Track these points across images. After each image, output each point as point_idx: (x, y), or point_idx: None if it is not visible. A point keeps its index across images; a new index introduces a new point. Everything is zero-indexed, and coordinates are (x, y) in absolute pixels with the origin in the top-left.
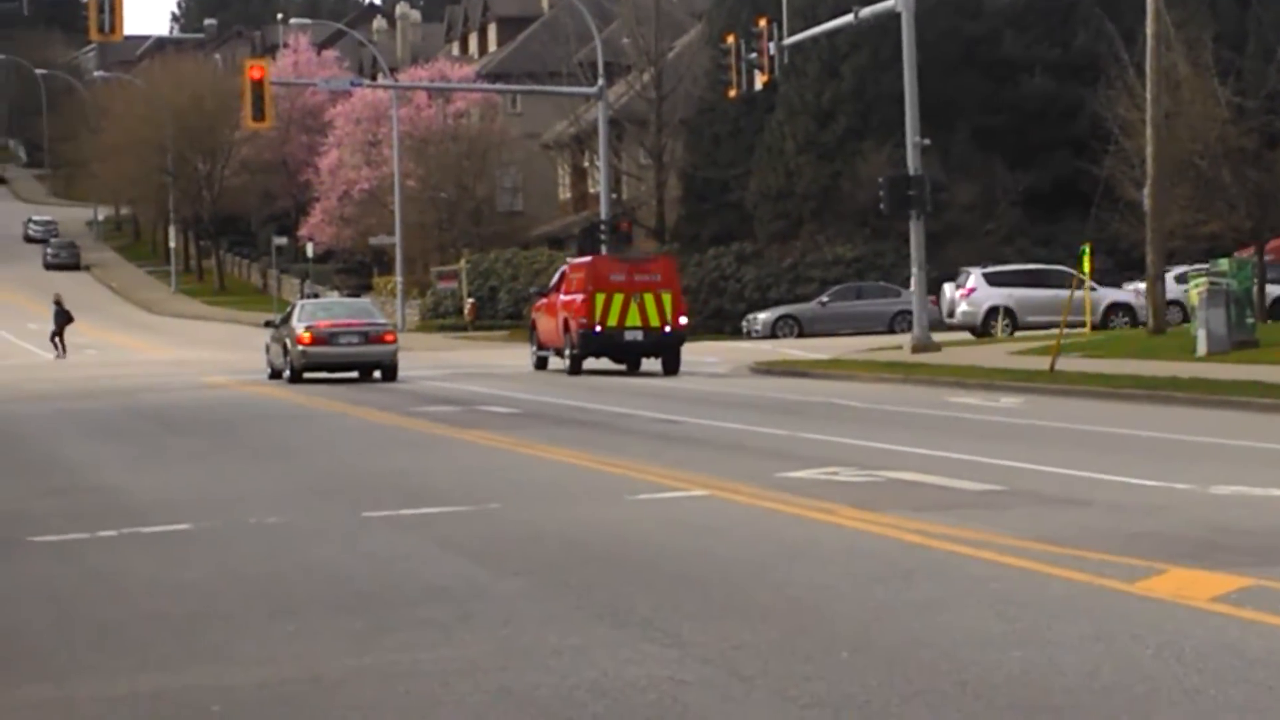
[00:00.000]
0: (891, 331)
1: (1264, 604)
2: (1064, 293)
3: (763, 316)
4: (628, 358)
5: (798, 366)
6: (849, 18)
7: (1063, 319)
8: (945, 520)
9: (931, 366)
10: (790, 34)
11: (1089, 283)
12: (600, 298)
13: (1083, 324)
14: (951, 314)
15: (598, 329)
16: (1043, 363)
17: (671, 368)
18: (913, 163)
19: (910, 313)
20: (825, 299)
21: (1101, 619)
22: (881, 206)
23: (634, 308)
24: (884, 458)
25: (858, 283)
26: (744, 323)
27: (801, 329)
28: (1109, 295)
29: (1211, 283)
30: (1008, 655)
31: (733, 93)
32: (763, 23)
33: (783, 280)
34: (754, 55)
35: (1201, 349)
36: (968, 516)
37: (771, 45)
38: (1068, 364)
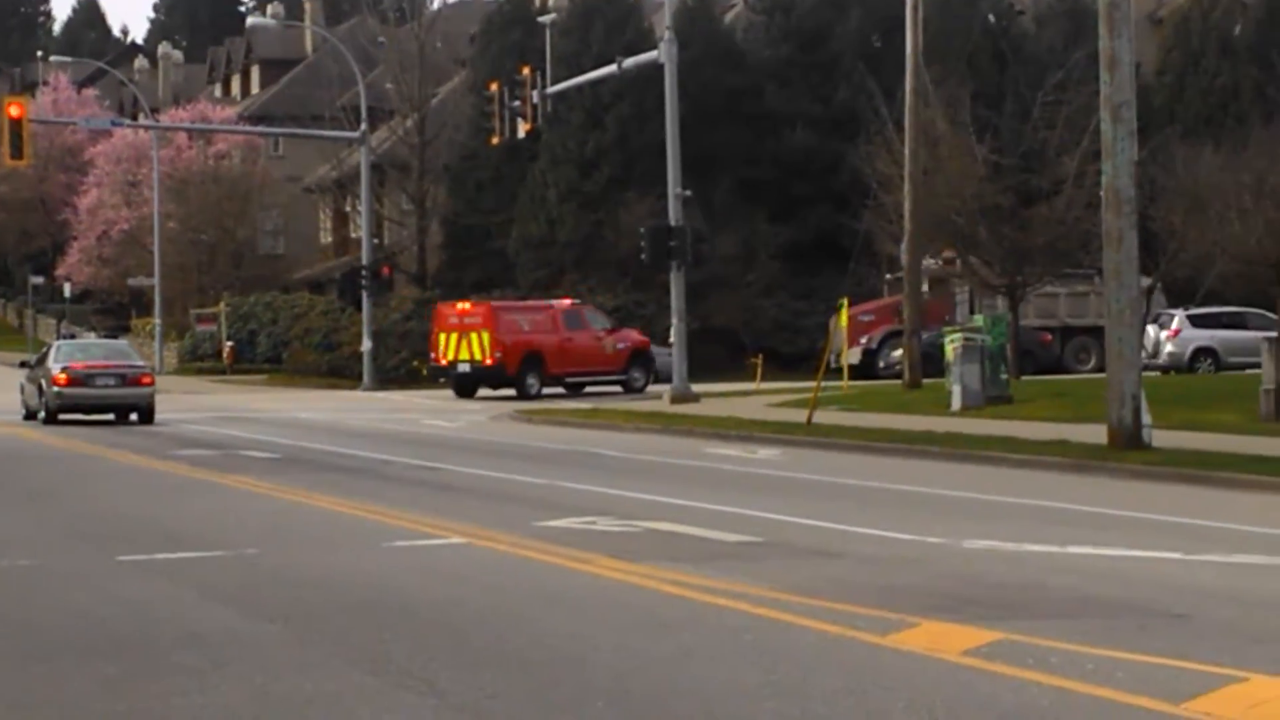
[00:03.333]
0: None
1: (1014, 658)
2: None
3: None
4: None
5: (558, 415)
6: (612, 68)
7: (819, 374)
8: (702, 571)
9: (690, 417)
10: (554, 83)
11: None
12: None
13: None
14: (1156, 354)
15: None
16: (800, 415)
17: None
18: (674, 213)
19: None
20: None
21: (854, 672)
22: (643, 256)
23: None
24: (642, 508)
25: None
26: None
27: None
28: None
29: (966, 338)
30: (762, 707)
31: (496, 140)
32: (526, 71)
33: None
34: (517, 103)
35: (956, 404)
36: (725, 568)
37: (535, 94)
38: (825, 417)
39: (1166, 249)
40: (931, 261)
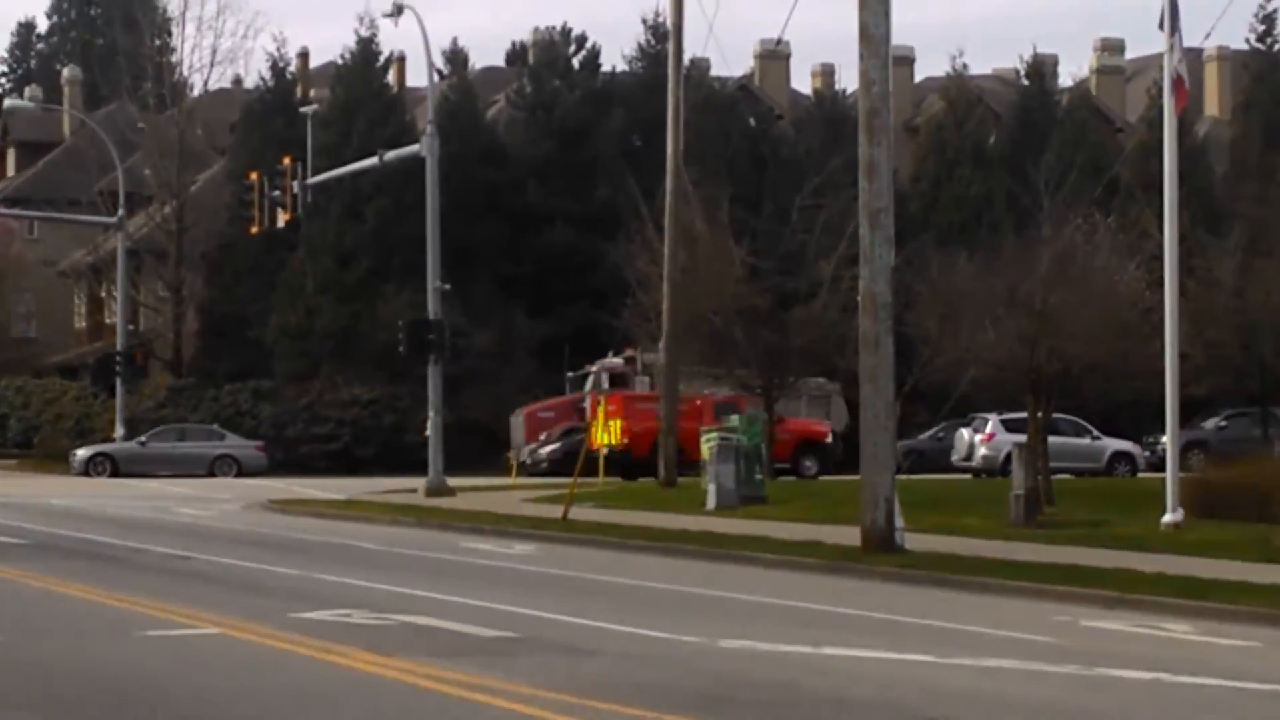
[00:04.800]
0: (212, 475)
1: None
2: (1076, 440)
3: (80, 453)
4: None
5: (313, 506)
6: (373, 160)
7: (577, 467)
8: (458, 666)
9: (446, 510)
10: (314, 173)
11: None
12: None
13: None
14: (970, 457)
15: None
16: (556, 511)
17: None
18: (433, 307)
19: (233, 457)
20: (144, 439)
21: None
22: (401, 349)
23: None
24: (398, 601)
25: (182, 424)
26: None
27: (117, 468)
28: (1114, 445)
29: (722, 438)
30: None
31: (255, 229)
32: (286, 160)
33: (299, 419)
34: (277, 192)
35: (711, 503)
36: (481, 663)
37: (295, 183)
38: (581, 513)
39: (921, 354)
40: (616, 360)
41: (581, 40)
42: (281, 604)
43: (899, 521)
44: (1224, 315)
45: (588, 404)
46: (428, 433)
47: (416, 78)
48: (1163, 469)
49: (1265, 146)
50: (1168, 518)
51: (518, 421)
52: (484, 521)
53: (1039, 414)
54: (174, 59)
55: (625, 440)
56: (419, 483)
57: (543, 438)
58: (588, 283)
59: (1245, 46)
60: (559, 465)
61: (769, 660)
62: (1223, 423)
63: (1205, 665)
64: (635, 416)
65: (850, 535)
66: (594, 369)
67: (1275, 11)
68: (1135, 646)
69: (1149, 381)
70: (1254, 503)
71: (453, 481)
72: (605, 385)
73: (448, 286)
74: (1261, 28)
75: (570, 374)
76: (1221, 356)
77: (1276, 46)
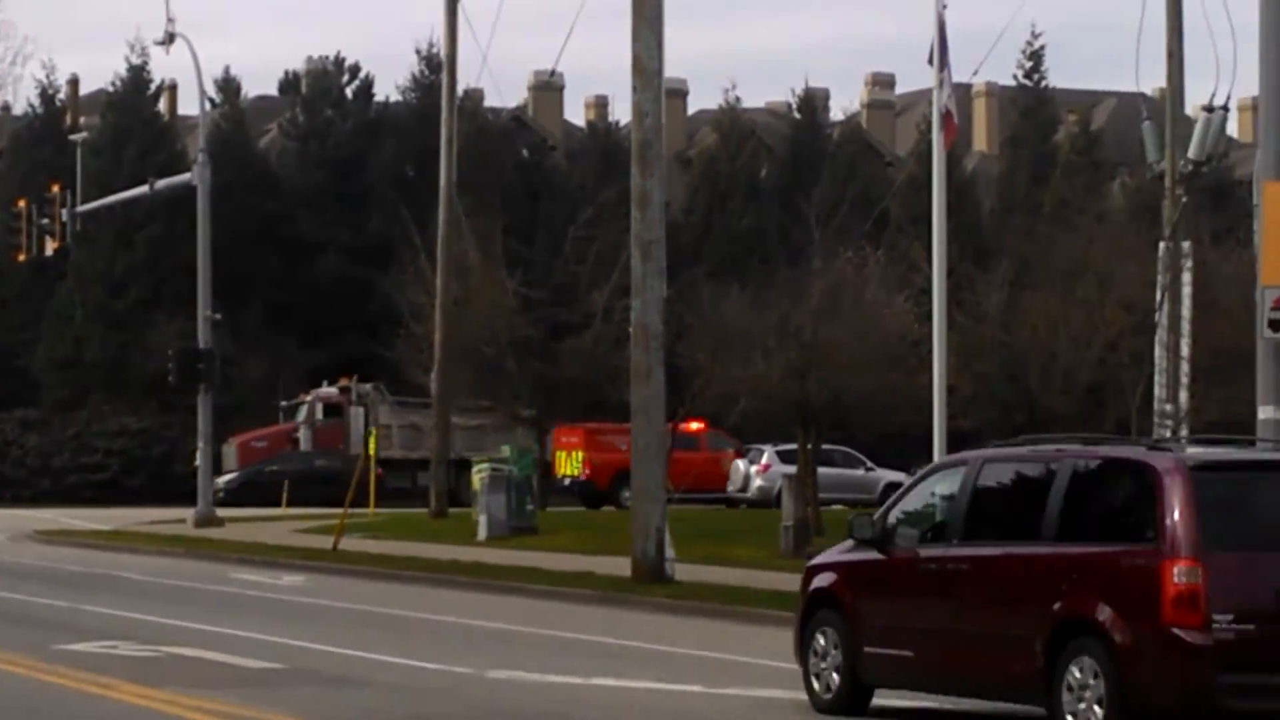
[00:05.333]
0: None
1: None
2: (849, 471)
3: None
4: None
5: (80, 537)
6: (144, 188)
7: (348, 497)
8: (226, 698)
9: (215, 541)
10: (84, 201)
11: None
12: None
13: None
14: (746, 488)
15: None
16: (327, 541)
17: None
18: (204, 336)
19: None
20: None
21: None
22: (171, 379)
23: None
24: (166, 632)
25: None
26: None
27: None
28: (887, 475)
29: (494, 469)
30: None
31: (22, 257)
32: (55, 188)
33: (66, 449)
34: (46, 220)
35: (483, 534)
36: (249, 695)
37: (64, 211)
38: (351, 544)
39: (692, 386)
40: (331, 389)
41: (355, 70)
42: (46, 636)
43: (669, 552)
44: (991, 348)
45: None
46: (197, 463)
47: (188, 106)
48: None
49: (1032, 181)
50: None
51: (230, 450)
52: (254, 552)
53: (809, 445)
54: None
55: (587, 471)
56: (188, 513)
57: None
58: (360, 313)
59: (1013, 82)
60: (236, 496)
61: (538, 691)
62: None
63: None
64: (597, 448)
65: (621, 566)
66: (308, 398)
67: (1042, 48)
68: None
69: (917, 413)
70: None
71: (222, 512)
72: (320, 416)
73: (219, 316)
74: (1029, 64)
75: (284, 403)
76: (989, 389)
77: (1043, 83)
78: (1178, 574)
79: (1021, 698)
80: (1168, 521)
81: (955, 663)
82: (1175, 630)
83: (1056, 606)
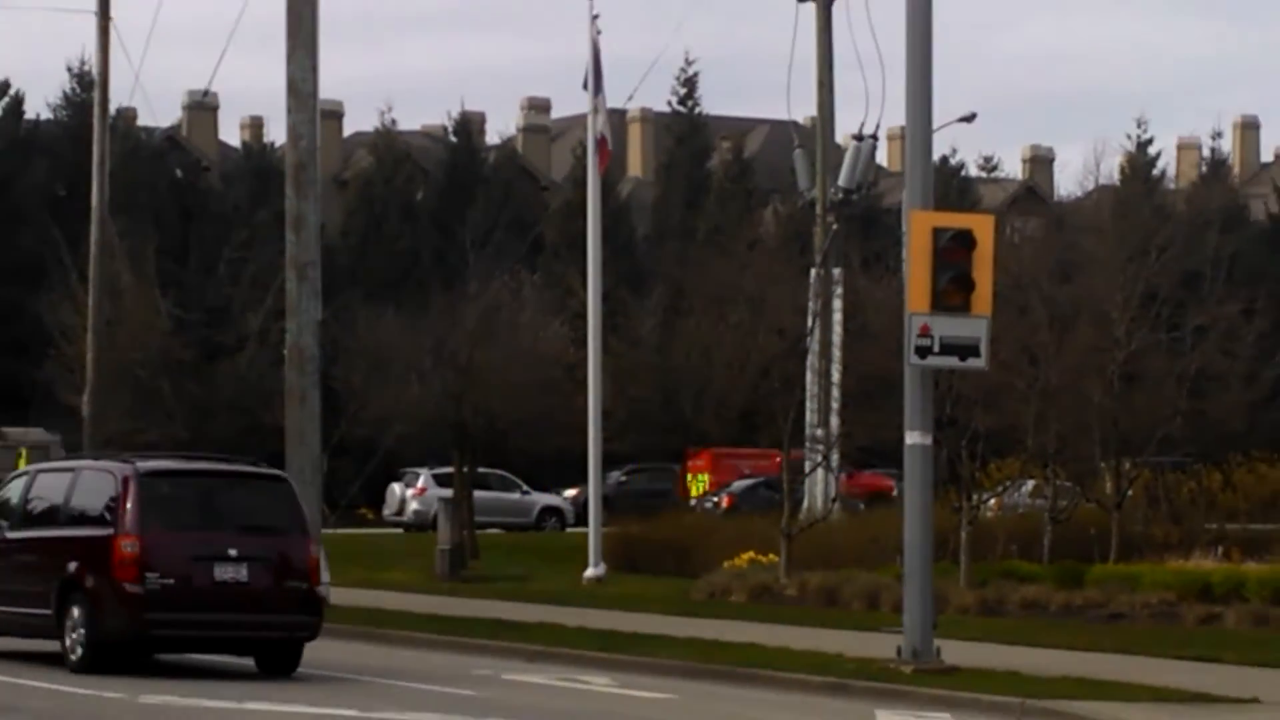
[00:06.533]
0: None
1: None
2: (506, 495)
3: None
4: None
5: None
6: None
7: None
8: None
9: None
10: None
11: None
12: None
13: None
14: (402, 511)
15: None
16: None
17: None
18: None
19: None
20: None
21: None
22: None
23: None
24: None
25: None
26: None
27: None
28: (543, 499)
29: None
30: None
31: None
32: None
33: None
34: None
35: None
36: None
37: None
38: None
39: (348, 409)
40: None
41: (4, 87)
42: None
43: (325, 576)
44: (646, 373)
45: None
46: None
47: None
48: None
49: (686, 207)
50: (590, 572)
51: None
52: None
53: (465, 468)
54: None
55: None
56: None
57: None
58: (9, 333)
59: (667, 109)
60: None
61: (191, 716)
62: (623, 477)
63: (623, 717)
64: (722, 471)
65: None
66: None
67: (696, 75)
68: (556, 699)
69: (573, 437)
70: (674, 557)
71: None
72: None
73: None
74: (683, 90)
75: None
76: (643, 413)
77: (697, 109)
78: (123, 546)
79: (45, 635)
80: (121, 510)
81: (4, 611)
82: (123, 585)
83: (62, 572)
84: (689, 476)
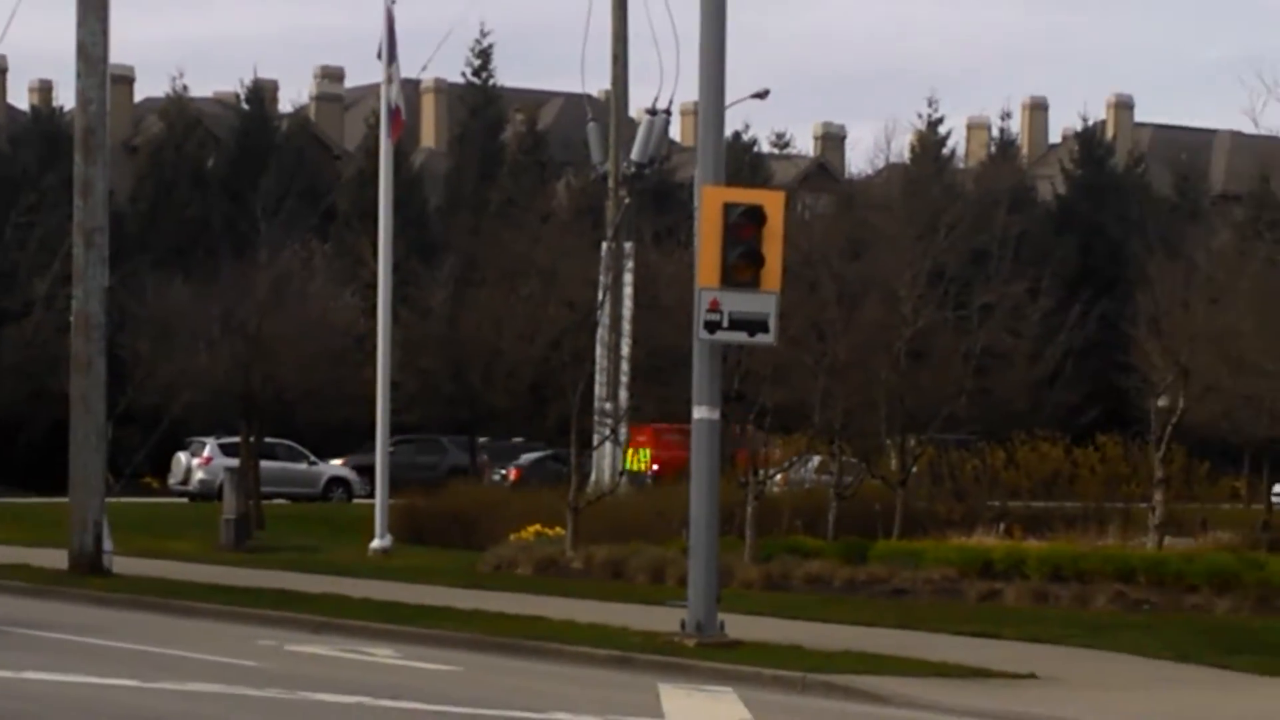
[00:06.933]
0: None
1: None
2: (293, 465)
3: None
4: None
5: None
6: None
7: None
8: None
9: None
10: None
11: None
12: None
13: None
14: (188, 481)
15: None
16: None
17: None
18: None
19: None
20: None
21: None
22: None
23: None
24: None
25: None
26: None
27: None
28: (330, 470)
29: None
30: None
31: None
32: None
33: None
34: None
35: None
36: None
37: None
38: None
39: (135, 376)
40: None
41: None
42: None
43: (108, 544)
44: (436, 344)
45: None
46: None
47: None
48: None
49: (479, 179)
50: (376, 543)
51: None
52: None
53: (251, 438)
54: None
55: (654, 468)
56: None
57: None
58: None
59: (462, 80)
60: None
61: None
62: (391, 449)
63: (407, 689)
64: (663, 446)
65: (59, 558)
66: None
67: (491, 47)
68: (340, 671)
69: (361, 408)
70: (461, 530)
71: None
72: None
73: None
74: (477, 62)
75: None
76: (433, 384)
77: (491, 81)
78: None
79: None
80: None
81: None
82: None
83: None
84: (630, 452)
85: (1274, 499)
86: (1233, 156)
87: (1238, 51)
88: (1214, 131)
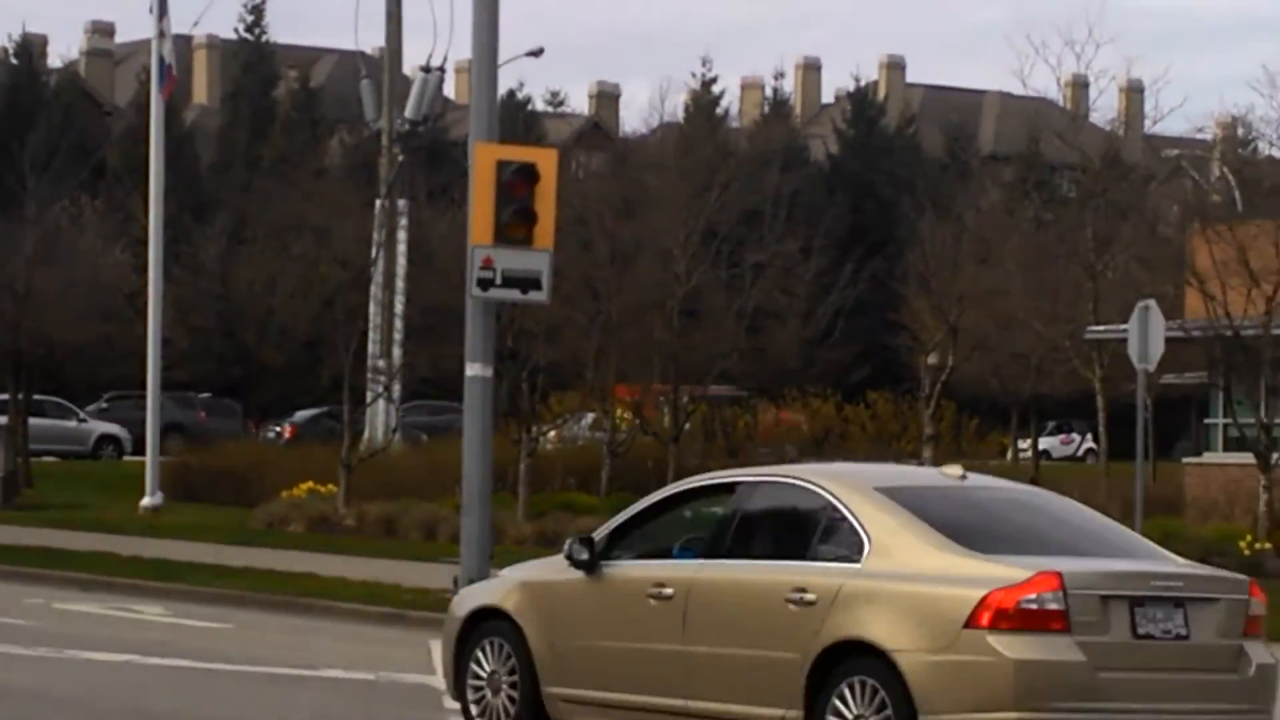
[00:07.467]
0: None
1: None
2: (62, 423)
3: None
4: None
5: None
6: None
7: None
8: None
9: None
10: None
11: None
12: None
13: None
14: None
15: None
16: None
17: None
18: None
19: None
20: None
21: None
22: None
23: None
24: None
25: None
26: None
27: None
28: (100, 427)
29: None
30: None
31: None
32: None
33: None
34: None
35: None
36: None
37: None
38: None
39: None
40: None
41: None
42: None
43: None
44: (208, 301)
45: None
46: None
47: None
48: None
49: (252, 136)
50: (146, 501)
51: None
52: None
53: (20, 395)
54: None
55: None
56: None
57: None
58: None
59: (234, 36)
60: None
61: None
62: (104, 404)
63: (176, 647)
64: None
65: None
66: None
67: (263, 3)
68: (108, 629)
69: (132, 365)
70: (233, 487)
71: None
72: None
73: None
74: (251, 18)
75: None
76: (205, 342)
77: (264, 37)
78: None
79: None
80: None
81: None
82: None
83: None
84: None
85: (1036, 452)
86: (1002, 118)
87: (1007, 14)
88: (983, 93)
